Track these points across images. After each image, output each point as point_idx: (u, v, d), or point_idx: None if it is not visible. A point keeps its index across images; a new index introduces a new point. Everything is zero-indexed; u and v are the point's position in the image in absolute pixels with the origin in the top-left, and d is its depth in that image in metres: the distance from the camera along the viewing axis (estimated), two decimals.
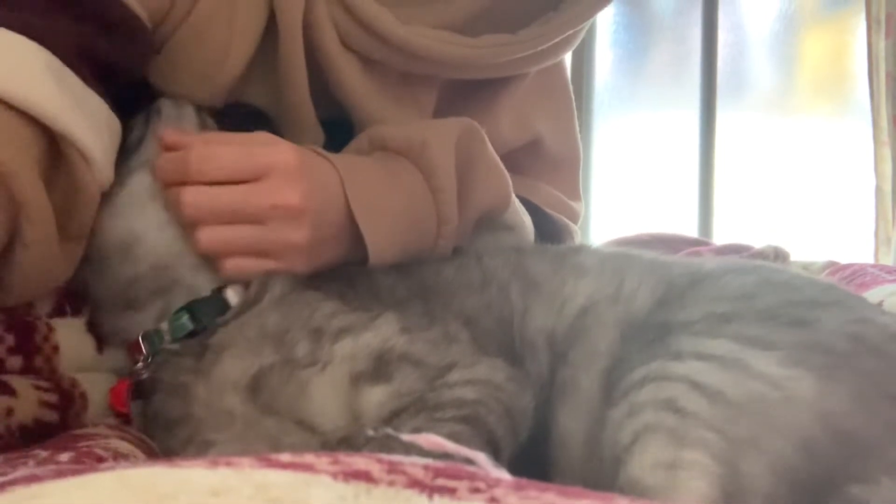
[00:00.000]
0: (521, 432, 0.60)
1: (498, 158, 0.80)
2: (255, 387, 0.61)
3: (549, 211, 0.94)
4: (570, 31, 0.85)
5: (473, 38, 0.80)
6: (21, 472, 0.32)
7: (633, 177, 2.81)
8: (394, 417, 0.57)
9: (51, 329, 0.65)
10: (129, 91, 0.70)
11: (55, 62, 0.58)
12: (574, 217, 0.99)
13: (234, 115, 0.75)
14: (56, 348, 0.64)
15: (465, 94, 0.88)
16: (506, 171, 0.80)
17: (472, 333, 0.65)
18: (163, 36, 0.72)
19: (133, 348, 0.66)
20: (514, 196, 0.81)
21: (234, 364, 0.62)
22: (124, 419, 0.66)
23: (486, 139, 0.78)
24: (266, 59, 0.74)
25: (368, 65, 0.79)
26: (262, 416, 0.60)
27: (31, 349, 0.63)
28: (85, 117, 0.59)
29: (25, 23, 0.58)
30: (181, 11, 0.72)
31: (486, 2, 0.81)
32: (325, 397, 0.60)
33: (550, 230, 0.92)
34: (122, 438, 0.60)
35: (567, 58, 0.99)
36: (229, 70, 0.73)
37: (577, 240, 0.99)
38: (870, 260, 2.40)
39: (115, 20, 0.65)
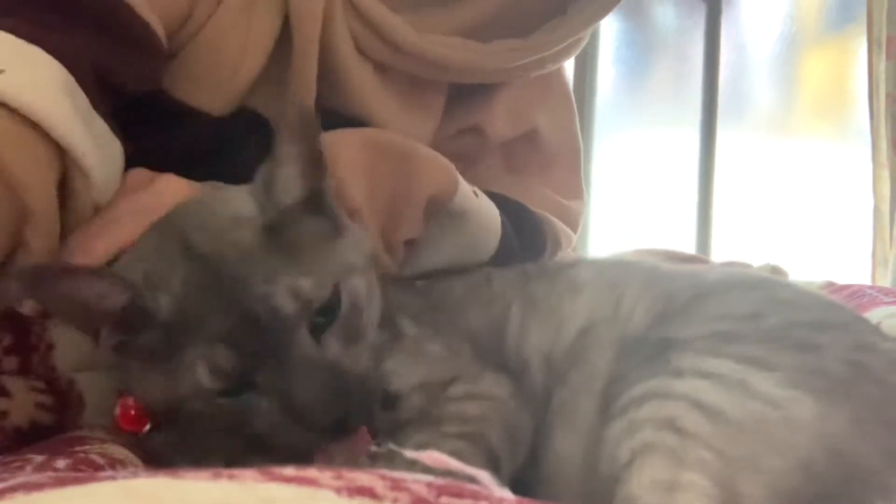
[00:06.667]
0: (521, 452, 0.60)
1: (432, 151, 0.78)
2: None
3: (537, 212, 0.91)
4: (579, 35, 0.86)
5: (484, 43, 0.81)
6: (20, 478, 0.32)
7: (633, 193, 2.81)
8: (398, 430, 0.57)
9: (44, 327, 0.64)
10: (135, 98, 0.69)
11: (70, 80, 0.57)
12: (569, 218, 0.97)
13: (238, 123, 0.75)
14: (51, 346, 0.63)
15: (463, 89, 0.88)
16: (446, 160, 0.78)
17: (474, 349, 0.65)
18: (178, 44, 0.72)
19: None
20: (462, 182, 0.78)
21: None
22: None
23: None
24: (275, 66, 0.74)
25: (381, 71, 0.79)
26: None
27: (28, 349, 0.62)
28: (93, 139, 0.59)
29: (43, 38, 0.57)
30: (199, 20, 0.71)
31: (497, 8, 0.82)
32: None
33: (534, 239, 0.90)
34: (117, 442, 0.59)
35: (570, 72, 1.00)
36: (242, 78, 0.73)
37: (569, 245, 0.96)
38: (867, 281, 2.40)
39: (133, 37, 0.64)
